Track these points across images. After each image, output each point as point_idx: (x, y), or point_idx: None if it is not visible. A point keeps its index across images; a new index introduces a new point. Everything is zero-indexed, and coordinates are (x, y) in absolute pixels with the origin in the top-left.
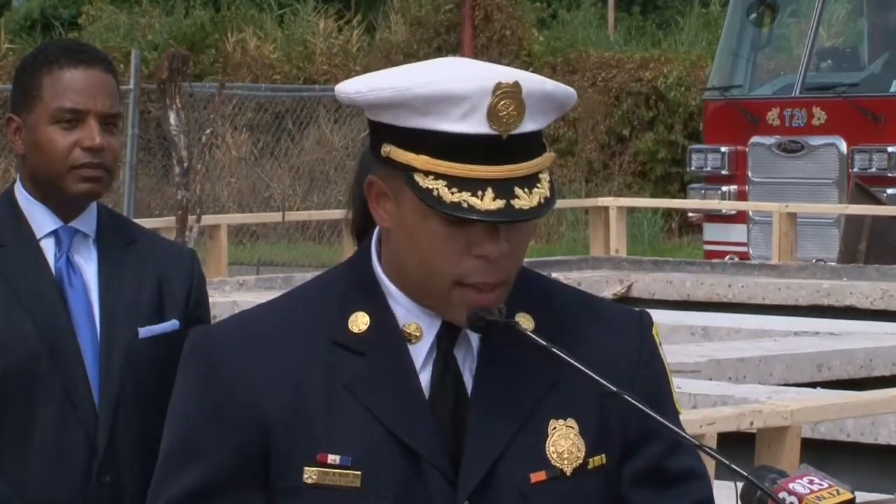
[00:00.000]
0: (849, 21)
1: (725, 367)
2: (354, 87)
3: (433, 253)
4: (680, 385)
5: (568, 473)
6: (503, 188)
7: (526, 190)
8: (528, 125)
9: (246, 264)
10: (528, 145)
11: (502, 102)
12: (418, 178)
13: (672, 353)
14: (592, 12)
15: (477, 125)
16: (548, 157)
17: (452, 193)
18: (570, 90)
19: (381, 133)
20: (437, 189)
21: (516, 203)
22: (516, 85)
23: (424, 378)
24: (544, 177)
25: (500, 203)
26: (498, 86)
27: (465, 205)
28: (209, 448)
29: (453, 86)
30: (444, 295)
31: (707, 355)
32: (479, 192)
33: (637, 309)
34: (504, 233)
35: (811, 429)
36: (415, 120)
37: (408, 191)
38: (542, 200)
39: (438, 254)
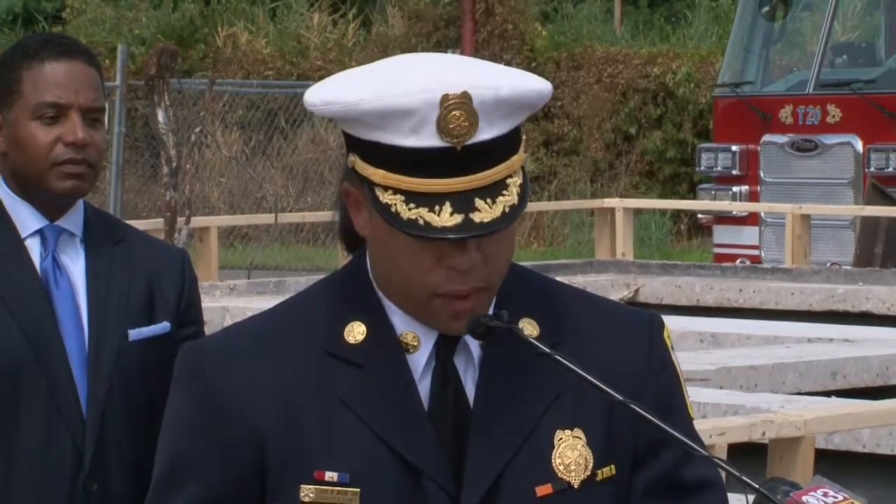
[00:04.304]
0: (865, 15)
1: (736, 375)
2: (311, 99)
3: (404, 265)
4: (689, 394)
5: (576, 486)
6: (462, 201)
7: (488, 201)
8: (486, 133)
9: (237, 268)
10: (492, 152)
11: (452, 114)
12: (378, 192)
13: (681, 361)
14: (598, 6)
15: (427, 138)
16: (517, 159)
17: (409, 209)
18: (538, 89)
19: (348, 142)
20: (394, 205)
21: (476, 216)
22: (465, 95)
23: (424, 389)
24: (513, 181)
25: (457, 218)
26: (444, 98)
27: (421, 221)
28: (202, 469)
29: (399, 100)
30: (425, 305)
31: (717, 363)
32: (437, 207)
33: (648, 311)
34: (474, 243)
35: (825, 439)
36: (369, 133)
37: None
38: (507, 210)
39: (409, 266)
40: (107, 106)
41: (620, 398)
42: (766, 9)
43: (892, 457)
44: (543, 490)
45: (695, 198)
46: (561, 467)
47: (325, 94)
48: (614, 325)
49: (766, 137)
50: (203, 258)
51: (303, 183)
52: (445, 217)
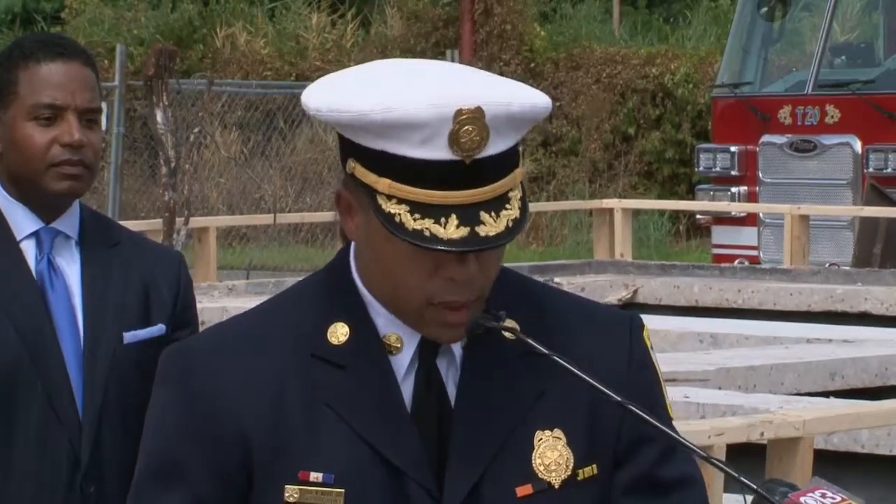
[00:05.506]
0: (864, 15)
1: (735, 376)
2: (315, 105)
3: (400, 273)
4: (688, 394)
5: (556, 486)
6: (468, 214)
7: (493, 214)
8: (494, 148)
9: (236, 268)
10: (496, 166)
11: (464, 129)
12: (381, 200)
13: (680, 361)
14: (596, 6)
15: (438, 151)
16: (519, 172)
17: (415, 220)
18: (543, 106)
19: (347, 147)
20: (399, 214)
21: (481, 230)
22: (478, 110)
23: (407, 391)
24: (514, 194)
25: (463, 231)
26: (458, 112)
27: (427, 233)
28: (187, 466)
29: (411, 113)
30: (417, 313)
31: (716, 363)
32: (443, 219)
33: (628, 311)
34: (473, 256)
35: (824, 440)
36: (376, 142)
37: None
38: (510, 224)
39: (405, 274)
40: (105, 106)
41: (618, 399)
42: (764, 9)
43: (890, 457)
44: (524, 490)
45: (693, 198)
46: (541, 467)
47: (331, 101)
48: (594, 326)
49: (765, 138)
50: (202, 258)
51: (301, 183)
52: (451, 229)
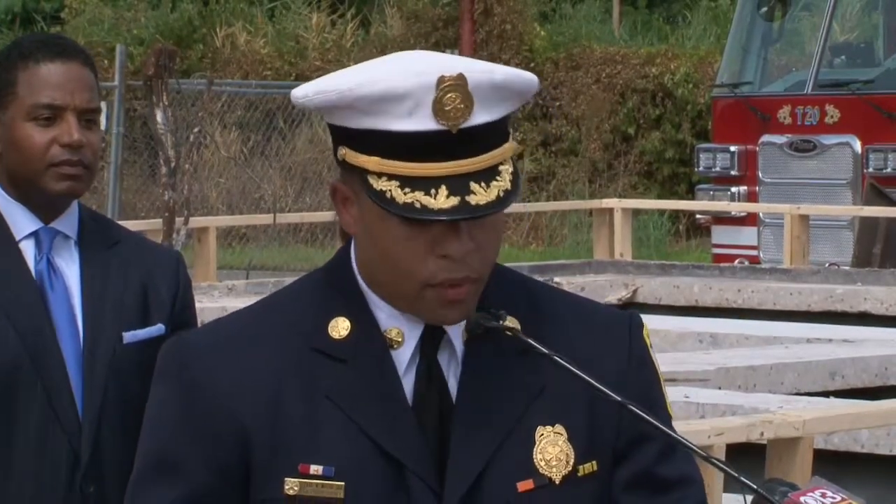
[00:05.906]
0: (863, 15)
1: (735, 376)
2: (303, 92)
3: (396, 255)
4: (688, 394)
5: (557, 481)
6: (458, 184)
7: (483, 184)
8: (480, 117)
9: (236, 268)
10: (484, 137)
11: (448, 96)
12: (371, 179)
13: (679, 361)
14: (596, 6)
15: (423, 122)
16: (509, 147)
17: (405, 193)
18: (528, 77)
19: (337, 136)
20: (389, 190)
21: (472, 199)
22: (461, 77)
23: (408, 385)
24: (505, 168)
25: (454, 200)
26: (441, 80)
27: (417, 204)
28: (186, 462)
29: (394, 83)
30: (417, 297)
31: (716, 363)
32: (433, 191)
33: (627, 311)
34: (467, 230)
35: (824, 440)
36: (363, 121)
37: (365, 193)
38: (502, 194)
39: (401, 256)
40: (104, 106)
41: (618, 398)
42: (764, 9)
43: (890, 457)
44: (525, 485)
45: (693, 198)
46: (542, 463)
47: (317, 84)
48: (594, 325)
49: (765, 138)
50: (202, 258)
51: (301, 183)
52: (442, 199)
